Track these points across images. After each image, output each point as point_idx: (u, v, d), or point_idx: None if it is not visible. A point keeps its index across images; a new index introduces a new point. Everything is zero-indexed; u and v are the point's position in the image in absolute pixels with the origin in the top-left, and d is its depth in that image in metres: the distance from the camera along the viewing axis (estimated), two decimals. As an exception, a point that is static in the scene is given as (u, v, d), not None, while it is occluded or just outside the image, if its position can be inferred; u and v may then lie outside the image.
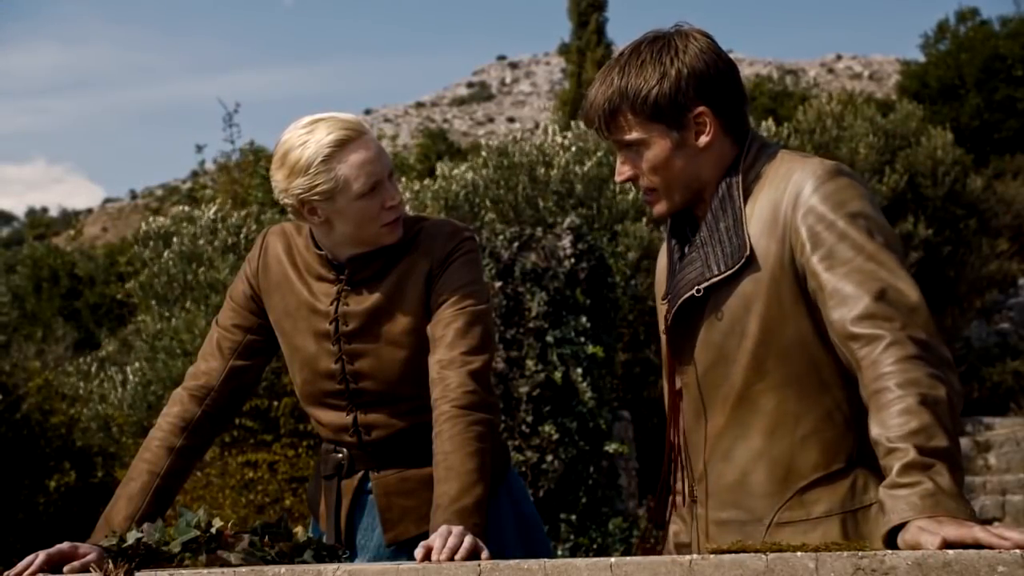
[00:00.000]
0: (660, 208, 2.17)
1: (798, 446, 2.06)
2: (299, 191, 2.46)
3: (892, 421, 1.82)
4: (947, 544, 1.67)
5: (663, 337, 2.25)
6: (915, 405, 1.82)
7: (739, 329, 2.08)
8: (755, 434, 2.09)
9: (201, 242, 10.12)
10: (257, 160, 13.46)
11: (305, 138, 2.45)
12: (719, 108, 2.10)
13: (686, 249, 2.20)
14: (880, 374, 1.87)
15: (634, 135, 2.11)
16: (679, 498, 2.27)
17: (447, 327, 2.44)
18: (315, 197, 2.45)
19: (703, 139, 2.10)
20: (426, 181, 10.95)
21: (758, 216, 2.07)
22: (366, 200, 2.46)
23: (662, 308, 2.25)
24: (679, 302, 2.13)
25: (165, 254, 10.23)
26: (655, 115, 2.09)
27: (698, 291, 2.10)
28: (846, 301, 1.94)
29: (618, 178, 2.18)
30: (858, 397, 2.01)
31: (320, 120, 2.48)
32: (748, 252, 2.05)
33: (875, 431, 1.85)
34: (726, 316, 2.09)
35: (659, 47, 2.11)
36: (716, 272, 2.08)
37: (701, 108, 2.09)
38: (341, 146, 2.44)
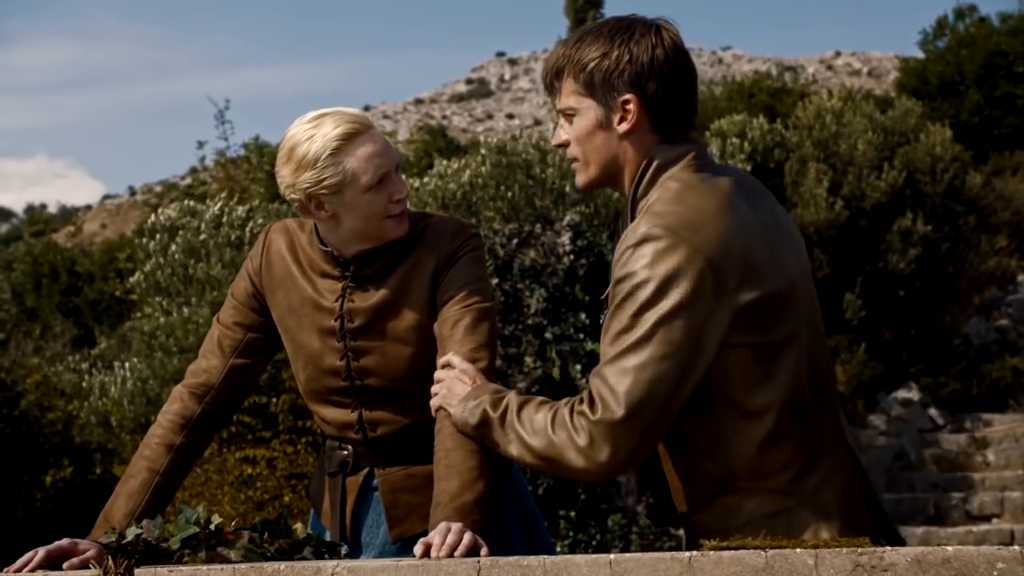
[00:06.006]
0: (580, 179, 2.27)
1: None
2: (307, 185, 2.45)
3: None
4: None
5: None
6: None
7: None
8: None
9: (203, 236, 10.09)
10: (260, 156, 13.43)
11: (312, 132, 2.45)
12: (649, 103, 2.16)
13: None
14: None
15: (569, 102, 2.21)
16: None
17: (454, 325, 2.45)
18: (323, 191, 2.45)
19: (624, 126, 2.17)
20: (425, 179, 10.89)
21: None
22: (374, 193, 2.46)
23: None
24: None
25: (172, 247, 10.20)
26: (588, 88, 2.18)
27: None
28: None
29: (554, 142, 2.29)
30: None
31: (326, 114, 2.48)
32: None
33: None
34: None
35: (619, 28, 2.18)
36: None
37: (629, 96, 2.15)
38: (348, 139, 2.44)
